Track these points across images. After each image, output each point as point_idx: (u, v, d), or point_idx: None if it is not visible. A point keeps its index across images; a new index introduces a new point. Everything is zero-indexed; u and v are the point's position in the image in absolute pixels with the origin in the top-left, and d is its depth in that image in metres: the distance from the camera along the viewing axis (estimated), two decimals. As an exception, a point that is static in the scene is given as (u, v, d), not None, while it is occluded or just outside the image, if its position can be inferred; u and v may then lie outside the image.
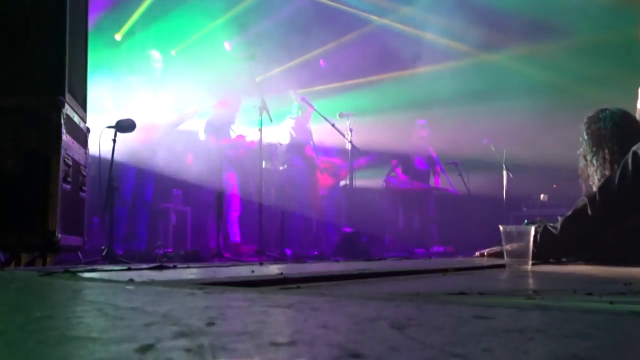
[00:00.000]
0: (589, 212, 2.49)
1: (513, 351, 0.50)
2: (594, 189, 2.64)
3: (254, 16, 7.81)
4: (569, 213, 2.60)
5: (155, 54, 6.16)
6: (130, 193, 5.61)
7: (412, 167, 7.88)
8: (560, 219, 2.62)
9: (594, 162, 2.81)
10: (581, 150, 2.90)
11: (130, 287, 0.99)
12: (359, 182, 7.41)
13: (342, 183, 7.69)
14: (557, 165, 6.41)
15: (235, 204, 6.33)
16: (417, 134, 7.95)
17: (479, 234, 4.86)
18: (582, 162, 2.89)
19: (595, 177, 2.79)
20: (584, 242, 2.59)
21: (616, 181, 2.46)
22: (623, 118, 2.82)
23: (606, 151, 2.77)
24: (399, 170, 7.90)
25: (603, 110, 2.87)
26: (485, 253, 2.81)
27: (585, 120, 2.91)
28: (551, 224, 2.62)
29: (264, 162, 5.96)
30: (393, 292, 1.35)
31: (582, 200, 2.57)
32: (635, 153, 2.44)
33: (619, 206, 2.48)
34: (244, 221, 6.38)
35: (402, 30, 8.42)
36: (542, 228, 2.59)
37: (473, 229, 6.43)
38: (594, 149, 2.82)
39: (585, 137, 2.87)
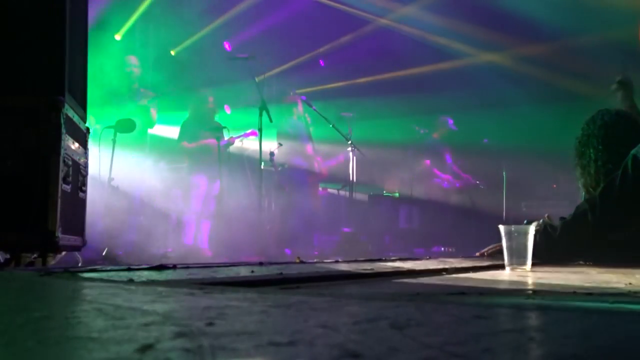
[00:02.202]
0: (590, 218, 2.49)
1: (513, 351, 0.50)
2: (583, 189, 2.66)
3: (254, 16, 7.80)
4: (569, 218, 2.60)
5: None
6: None
7: (446, 164, 7.74)
8: (560, 222, 2.62)
9: (583, 161, 2.84)
10: (575, 150, 2.93)
11: (130, 287, 0.99)
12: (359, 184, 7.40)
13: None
14: (558, 165, 6.42)
15: (197, 206, 6.20)
16: (446, 131, 7.83)
17: (479, 234, 4.86)
18: (574, 162, 2.93)
19: (584, 176, 2.82)
20: (584, 247, 2.58)
21: (617, 187, 2.46)
22: (612, 118, 2.84)
23: (592, 150, 2.79)
24: (437, 170, 7.70)
25: (599, 112, 2.89)
26: (486, 253, 2.81)
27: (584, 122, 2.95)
28: (551, 225, 2.62)
29: (263, 163, 5.95)
30: (393, 292, 1.35)
31: (583, 205, 2.57)
32: (634, 157, 2.43)
33: (619, 212, 2.48)
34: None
35: (402, 30, 8.42)
36: (542, 228, 2.59)
37: (473, 229, 6.44)
38: (583, 149, 2.85)
39: (579, 137, 2.91)
